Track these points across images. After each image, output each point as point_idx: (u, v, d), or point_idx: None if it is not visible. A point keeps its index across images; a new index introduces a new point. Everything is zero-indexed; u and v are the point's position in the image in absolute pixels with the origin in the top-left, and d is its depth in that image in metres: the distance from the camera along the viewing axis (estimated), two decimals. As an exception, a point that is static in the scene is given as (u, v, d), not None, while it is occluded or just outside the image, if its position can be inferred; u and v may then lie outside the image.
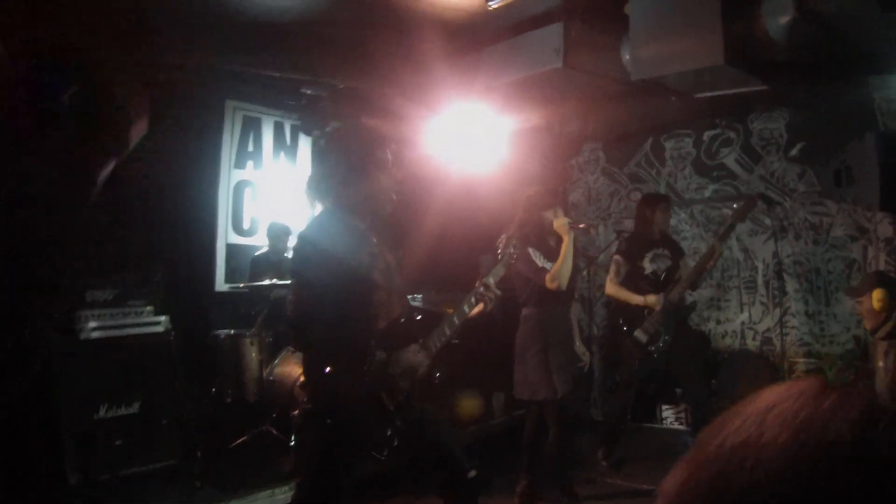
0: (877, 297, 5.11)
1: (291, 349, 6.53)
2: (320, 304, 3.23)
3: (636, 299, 6.43)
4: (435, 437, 3.66)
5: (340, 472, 3.40)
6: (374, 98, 7.87)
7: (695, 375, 6.70)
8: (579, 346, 6.00)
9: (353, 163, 3.54)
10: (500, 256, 4.18)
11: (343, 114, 8.19)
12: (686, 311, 6.75)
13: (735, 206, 7.48)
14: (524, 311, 5.68)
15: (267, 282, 7.02)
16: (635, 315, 6.47)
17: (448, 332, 3.74)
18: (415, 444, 3.52)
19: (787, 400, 0.73)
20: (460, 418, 7.75)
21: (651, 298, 6.36)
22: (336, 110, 7.82)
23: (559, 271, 5.30)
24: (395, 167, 3.68)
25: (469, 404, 7.83)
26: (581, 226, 5.52)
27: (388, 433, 3.34)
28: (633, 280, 6.54)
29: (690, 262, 6.95)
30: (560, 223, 5.40)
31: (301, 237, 3.59)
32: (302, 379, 3.81)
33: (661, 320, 6.36)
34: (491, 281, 3.87)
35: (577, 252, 5.48)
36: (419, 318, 3.74)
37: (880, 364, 5.13)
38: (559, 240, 5.43)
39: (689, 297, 6.93)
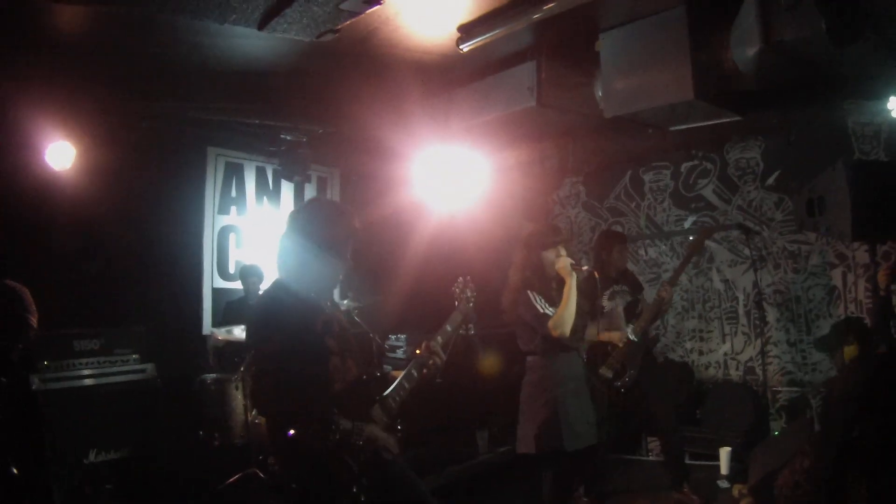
0: (850, 354, 5.11)
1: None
2: (277, 375, 3.31)
3: (600, 337, 6.34)
4: (404, 493, 3.69)
5: None
6: (355, 141, 7.97)
7: (664, 406, 6.63)
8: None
9: (314, 244, 3.59)
10: (456, 302, 4.04)
11: (323, 158, 8.30)
12: (650, 344, 6.76)
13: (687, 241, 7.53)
14: (529, 360, 5.27)
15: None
16: (599, 352, 6.43)
17: (408, 387, 3.76)
18: (385, 500, 3.54)
19: None
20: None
21: (614, 334, 6.33)
22: (316, 155, 7.90)
23: (562, 317, 4.90)
24: (352, 251, 3.73)
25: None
26: (584, 268, 5.14)
27: (354, 490, 3.36)
28: (592, 318, 6.52)
29: (651, 294, 6.94)
30: (562, 265, 5.05)
31: (253, 312, 3.70)
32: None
33: (626, 355, 6.36)
34: (436, 345, 3.86)
35: (581, 294, 5.07)
36: (378, 375, 3.78)
37: None
38: (561, 282, 5.07)
39: (653, 331, 6.93)
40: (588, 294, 5.32)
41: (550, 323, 4.90)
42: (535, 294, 5.09)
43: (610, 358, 6.40)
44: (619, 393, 6.41)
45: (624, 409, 6.58)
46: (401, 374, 3.80)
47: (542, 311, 5.01)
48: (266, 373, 3.45)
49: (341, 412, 3.41)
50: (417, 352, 3.90)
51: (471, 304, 4.11)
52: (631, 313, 6.57)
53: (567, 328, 4.91)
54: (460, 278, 4.12)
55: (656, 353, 8.62)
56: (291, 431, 3.34)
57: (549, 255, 5.14)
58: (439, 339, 3.91)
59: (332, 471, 3.34)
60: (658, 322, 7.97)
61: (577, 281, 5.04)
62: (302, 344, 3.34)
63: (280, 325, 3.39)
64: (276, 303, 3.55)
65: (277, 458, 3.58)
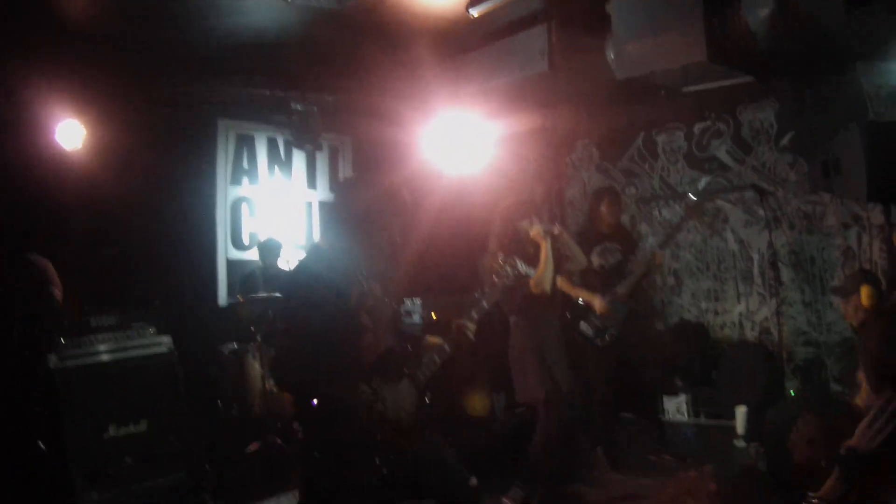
0: (866, 293, 5.13)
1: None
2: (308, 347, 3.28)
3: (583, 295, 6.47)
4: (429, 455, 3.66)
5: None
6: (366, 108, 7.95)
7: (649, 369, 6.81)
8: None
9: (361, 219, 3.55)
10: (495, 278, 3.98)
11: (334, 126, 8.26)
12: (636, 305, 6.78)
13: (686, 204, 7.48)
14: (512, 320, 5.75)
15: (263, 295, 7.06)
16: (581, 309, 6.51)
17: (438, 361, 3.69)
18: (409, 465, 3.54)
19: None
20: (468, 413, 7.75)
21: (597, 300, 6.39)
22: (327, 123, 7.88)
23: (542, 276, 5.45)
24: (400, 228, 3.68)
25: (477, 401, 7.80)
26: (556, 231, 5.57)
27: (377, 461, 3.37)
28: (581, 274, 6.53)
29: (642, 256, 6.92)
30: (536, 231, 5.51)
31: (288, 282, 3.65)
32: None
33: (606, 314, 6.41)
34: (474, 316, 3.78)
35: (557, 256, 5.57)
36: (409, 348, 3.75)
37: None
38: (537, 248, 5.52)
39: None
40: (558, 252, 5.69)
41: (532, 282, 5.44)
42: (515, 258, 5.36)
43: (591, 315, 6.45)
44: (598, 350, 6.50)
45: (613, 367, 6.64)
46: (435, 341, 3.76)
47: (523, 272, 5.25)
48: (291, 344, 3.44)
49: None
50: (433, 315, 3.89)
51: (507, 283, 4.07)
52: (619, 273, 6.59)
53: (548, 285, 5.51)
54: (501, 254, 4.16)
55: (670, 315, 8.67)
56: (315, 401, 3.37)
57: (524, 224, 5.58)
58: (475, 314, 3.84)
59: (354, 440, 3.33)
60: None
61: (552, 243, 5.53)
62: (332, 320, 3.29)
63: (309, 298, 3.36)
64: (308, 274, 3.53)
65: (301, 426, 3.60)
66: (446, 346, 3.71)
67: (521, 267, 5.27)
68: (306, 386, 3.37)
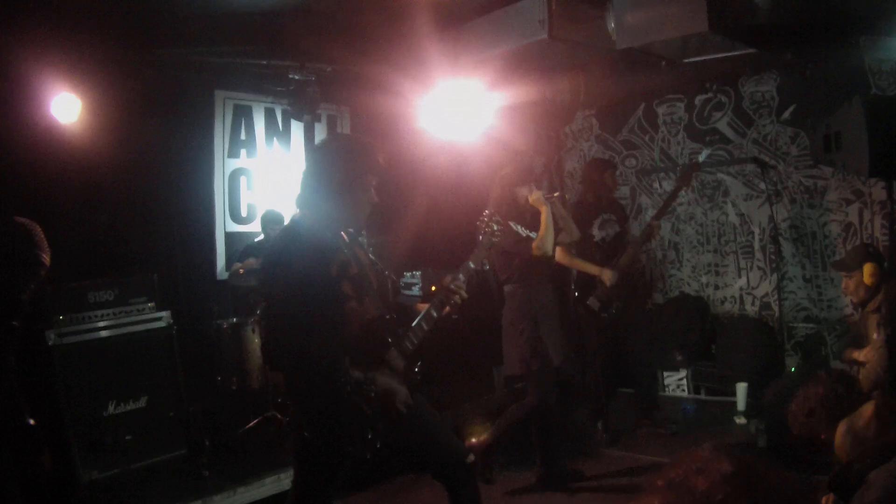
0: (868, 271, 5.12)
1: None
2: (290, 322, 3.25)
3: (592, 269, 6.46)
4: (423, 431, 3.67)
5: (322, 481, 3.46)
6: (364, 78, 7.87)
7: (637, 343, 6.86)
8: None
9: (337, 180, 3.52)
10: (480, 237, 4.01)
11: (332, 97, 8.19)
12: (635, 277, 6.81)
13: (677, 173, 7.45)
14: (507, 288, 5.77)
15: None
16: (588, 282, 6.52)
17: (426, 327, 3.69)
18: (403, 440, 3.53)
19: None
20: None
21: (606, 273, 6.37)
22: (325, 94, 7.81)
23: (544, 239, 5.46)
24: (376, 186, 3.65)
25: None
26: (556, 194, 5.69)
27: (370, 436, 3.35)
28: (582, 247, 6.54)
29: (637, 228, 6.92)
30: (535, 196, 5.56)
31: (267, 256, 3.65)
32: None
33: (613, 287, 6.41)
34: (459, 283, 3.76)
35: (555, 222, 5.63)
36: (395, 316, 3.71)
37: (874, 336, 5.13)
38: (534, 215, 5.56)
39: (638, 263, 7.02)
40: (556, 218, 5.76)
41: (534, 244, 5.48)
42: (514, 223, 5.52)
43: (598, 289, 6.45)
44: (605, 323, 6.54)
45: (612, 340, 6.70)
46: (424, 307, 3.74)
47: (524, 235, 5.52)
48: (275, 322, 3.42)
49: (356, 356, 3.36)
50: (433, 288, 3.87)
51: (494, 240, 4.03)
52: (618, 244, 6.59)
53: (549, 248, 5.53)
54: (486, 211, 4.09)
55: (670, 289, 8.66)
56: (302, 382, 3.36)
57: (523, 190, 5.65)
58: (461, 276, 3.82)
59: (345, 418, 3.31)
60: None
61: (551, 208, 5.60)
62: (313, 290, 3.26)
63: (290, 271, 3.31)
64: (287, 247, 3.48)
65: (292, 404, 3.59)
66: (433, 311, 3.71)
67: (522, 230, 5.44)
68: (293, 361, 3.35)
